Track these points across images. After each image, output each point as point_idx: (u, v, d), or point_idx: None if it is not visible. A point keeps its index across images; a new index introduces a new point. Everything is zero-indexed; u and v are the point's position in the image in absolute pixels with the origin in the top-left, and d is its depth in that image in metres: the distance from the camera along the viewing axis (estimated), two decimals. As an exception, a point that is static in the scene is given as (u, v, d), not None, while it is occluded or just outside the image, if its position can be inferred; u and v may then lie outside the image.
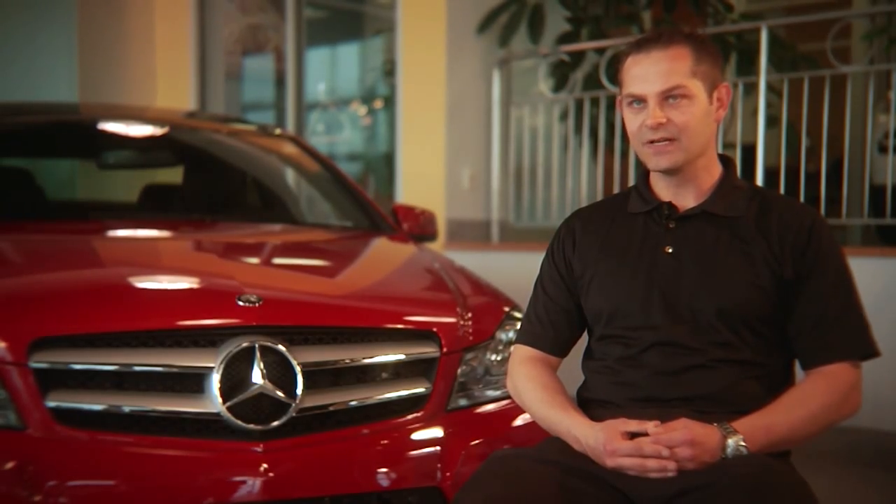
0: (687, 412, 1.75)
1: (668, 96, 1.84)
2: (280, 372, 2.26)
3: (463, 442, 2.39)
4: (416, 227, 3.69)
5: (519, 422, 2.49)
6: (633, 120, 1.89)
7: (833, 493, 3.16)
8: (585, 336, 2.03)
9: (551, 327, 2.01)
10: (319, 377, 2.33)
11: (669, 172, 1.89)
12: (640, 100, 1.87)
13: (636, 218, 1.96)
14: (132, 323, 2.30)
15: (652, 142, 1.85)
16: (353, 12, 8.57)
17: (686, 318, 1.84)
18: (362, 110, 8.50)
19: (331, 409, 2.33)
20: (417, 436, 2.38)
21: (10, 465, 2.10)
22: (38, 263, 2.78)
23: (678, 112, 1.83)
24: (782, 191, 4.82)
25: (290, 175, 4.56)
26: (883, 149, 5.58)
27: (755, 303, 1.83)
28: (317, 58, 8.21)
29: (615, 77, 2.00)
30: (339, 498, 2.26)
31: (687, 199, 1.92)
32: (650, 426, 1.71)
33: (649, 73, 1.84)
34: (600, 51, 5.64)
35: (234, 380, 2.23)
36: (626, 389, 1.87)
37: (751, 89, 5.24)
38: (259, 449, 2.21)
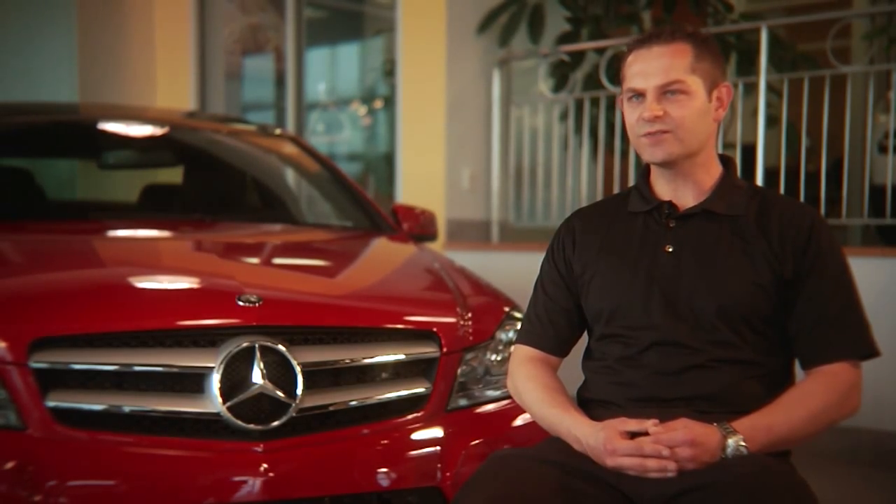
0: (687, 412, 1.75)
1: (666, 91, 1.84)
2: (280, 372, 2.26)
3: (463, 442, 2.39)
4: (416, 227, 3.69)
5: (519, 422, 2.49)
6: (631, 114, 1.89)
7: (833, 493, 3.16)
8: (585, 336, 2.03)
9: (551, 327, 2.01)
10: (319, 377, 2.33)
11: (665, 166, 1.89)
12: (639, 94, 1.87)
13: (636, 217, 1.96)
14: (132, 323, 2.30)
15: (648, 134, 1.86)
16: (353, 12, 8.57)
17: (686, 318, 1.84)
18: (362, 110, 8.50)
19: (331, 409, 2.33)
20: (417, 436, 2.38)
21: (10, 465, 2.10)
22: (38, 263, 2.78)
23: (675, 106, 1.84)
24: (782, 191, 4.82)
25: (290, 175, 4.56)
26: (883, 149, 5.58)
27: (755, 302, 1.83)
28: (317, 58, 8.21)
29: (615, 77, 2.01)
30: (339, 498, 2.26)
31: (687, 199, 1.92)
32: (649, 424, 1.71)
33: (649, 67, 1.85)
34: (600, 51, 5.64)
35: (234, 380, 2.23)
36: (626, 389, 1.87)
37: (751, 89, 5.24)
38: (259, 449, 2.21)
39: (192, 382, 2.24)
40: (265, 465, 2.18)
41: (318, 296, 2.74)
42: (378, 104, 8.24)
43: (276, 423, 2.23)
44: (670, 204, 1.92)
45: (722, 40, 5.53)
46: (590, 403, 1.93)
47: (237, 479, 2.18)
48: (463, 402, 2.50)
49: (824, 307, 1.83)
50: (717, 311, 1.83)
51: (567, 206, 5.71)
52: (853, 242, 6.20)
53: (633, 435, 1.71)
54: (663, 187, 1.94)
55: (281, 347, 2.27)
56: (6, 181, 3.76)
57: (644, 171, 2.00)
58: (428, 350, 2.48)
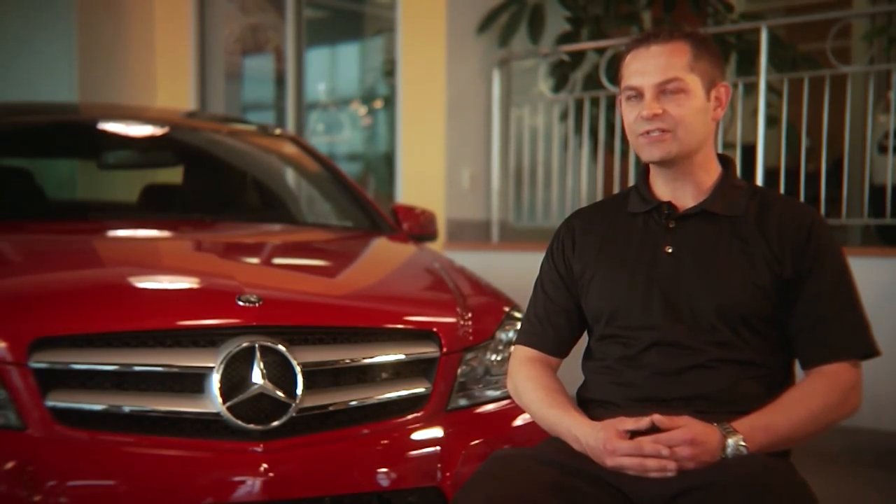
0: (687, 412, 1.75)
1: (665, 89, 1.84)
2: (280, 372, 2.26)
3: (463, 442, 2.39)
4: (416, 227, 3.69)
5: (519, 422, 2.49)
6: (629, 112, 1.89)
7: (833, 493, 3.16)
8: (585, 336, 2.03)
9: (551, 328, 2.01)
10: (319, 377, 2.33)
11: (664, 165, 1.89)
12: (637, 93, 1.87)
13: (636, 218, 1.96)
14: (132, 323, 2.30)
15: (647, 133, 1.86)
16: (353, 12, 8.57)
17: (686, 318, 1.84)
18: (362, 110, 8.50)
19: (331, 409, 2.32)
20: (417, 436, 2.38)
21: (10, 465, 2.10)
22: (38, 263, 2.78)
23: (674, 105, 1.84)
24: (782, 191, 4.82)
25: (290, 175, 4.56)
26: (883, 149, 5.58)
27: (755, 302, 1.83)
28: (317, 58, 8.21)
29: (615, 77, 2.00)
30: (340, 498, 2.26)
31: (686, 199, 1.92)
32: (647, 421, 1.70)
33: (647, 66, 1.85)
34: (600, 51, 5.64)
35: (234, 380, 2.23)
36: (625, 389, 1.87)
37: (751, 89, 5.24)
38: (259, 449, 2.20)
39: (192, 382, 2.24)
40: (265, 465, 2.18)
41: (318, 296, 2.74)
42: (378, 104, 8.24)
43: (276, 423, 2.23)
44: (670, 204, 1.92)
45: (722, 40, 5.54)
46: (590, 403, 1.93)
47: (237, 479, 2.18)
48: (463, 402, 2.50)
49: (824, 307, 1.83)
50: (716, 312, 1.83)
51: (567, 206, 5.72)
52: (853, 242, 6.21)
53: (632, 435, 1.71)
54: (662, 188, 1.94)
55: (281, 347, 2.27)
56: (6, 181, 3.76)
57: (643, 171, 2.00)
58: (428, 350, 2.48)
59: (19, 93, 6.94)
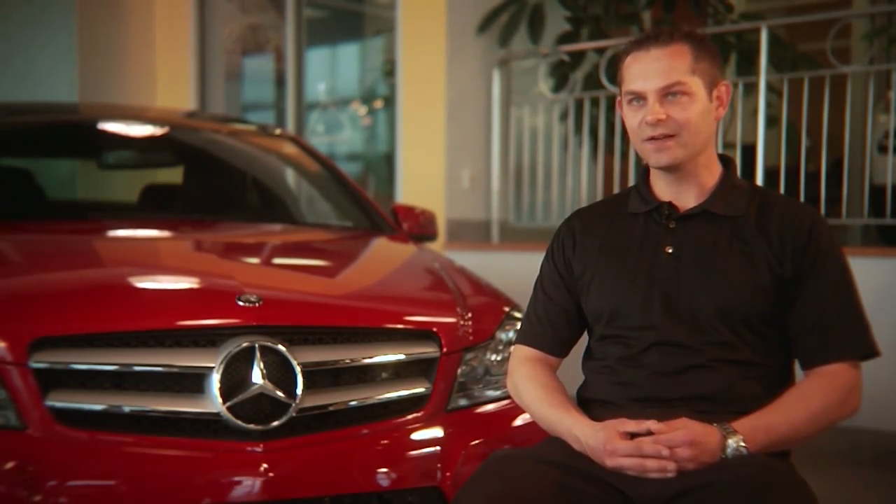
0: (687, 412, 1.75)
1: (668, 93, 1.84)
2: (280, 372, 2.26)
3: (463, 442, 2.39)
4: (416, 227, 3.69)
5: (519, 422, 2.49)
6: (632, 117, 1.89)
7: (833, 493, 3.17)
8: (585, 336, 2.03)
9: (551, 328, 2.01)
10: (319, 377, 2.33)
11: (669, 169, 1.89)
12: (639, 97, 1.87)
13: (636, 218, 1.96)
14: (132, 323, 2.30)
15: (652, 138, 1.85)
16: (353, 12, 8.56)
17: (686, 318, 1.84)
18: (362, 110, 8.50)
19: (331, 409, 2.33)
20: (417, 436, 2.38)
21: (10, 465, 2.10)
22: (38, 263, 2.78)
23: (678, 108, 1.84)
24: (782, 191, 4.83)
25: (290, 175, 4.56)
26: (883, 149, 5.59)
27: (755, 303, 1.83)
28: (317, 58, 8.21)
29: (615, 77, 2.00)
30: (339, 498, 2.26)
31: (687, 199, 1.92)
32: (649, 424, 1.71)
33: (649, 70, 1.85)
34: (600, 51, 5.64)
35: (234, 380, 2.23)
36: (625, 389, 1.87)
37: (751, 89, 5.24)
38: (259, 449, 2.21)
39: (192, 382, 2.24)
40: (265, 465, 2.18)
41: (318, 296, 2.74)
42: (378, 104, 8.24)
43: (276, 423, 2.23)
44: (670, 205, 1.92)
45: (722, 40, 5.54)
46: (590, 403, 1.93)
47: (237, 479, 2.18)
48: (463, 402, 2.50)
49: (824, 307, 1.83)
50: (716, 312, 1.83)
51: (567, 206, 5.72)
52: (853, 242, 6.21)
53: (633, 435, 1.71)
54: (664, 188, 1.94)
55: (281, 347, 2.27)
56: (6, 181, 3.76)
57: (643, 171, 2.00)
58: (428, 350, 2.48)
59: (19, 92, 6.94)
